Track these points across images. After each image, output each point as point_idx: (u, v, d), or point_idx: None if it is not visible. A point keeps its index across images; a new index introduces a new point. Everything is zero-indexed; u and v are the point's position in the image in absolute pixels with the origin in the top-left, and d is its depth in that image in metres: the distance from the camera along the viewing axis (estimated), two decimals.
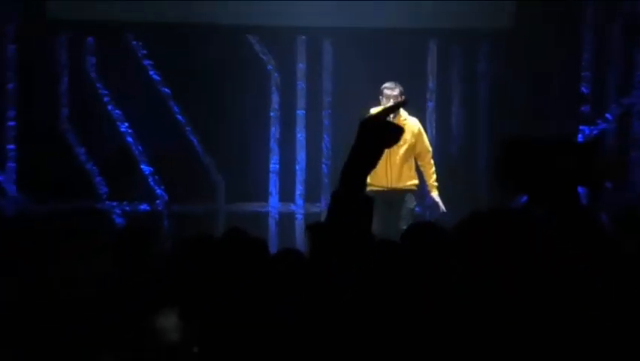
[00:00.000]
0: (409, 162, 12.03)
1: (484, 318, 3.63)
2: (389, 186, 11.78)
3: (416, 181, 12.09)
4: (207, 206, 13.53)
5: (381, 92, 11.94)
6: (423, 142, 12.02)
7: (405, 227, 9.87)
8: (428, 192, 12.28)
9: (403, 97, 11.77)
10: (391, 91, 11.91)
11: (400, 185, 11.97)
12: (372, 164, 3.77)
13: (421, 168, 12.10)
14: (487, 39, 13.67)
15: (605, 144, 13.46)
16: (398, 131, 3.67)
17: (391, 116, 11.36)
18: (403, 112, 11.86)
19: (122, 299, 5.29)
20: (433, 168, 12.28)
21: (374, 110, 11.61)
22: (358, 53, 12.97)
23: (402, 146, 11.65)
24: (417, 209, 12.09)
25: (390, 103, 11.67)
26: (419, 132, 11.88)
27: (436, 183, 12.25)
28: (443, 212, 12.06)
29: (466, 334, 3.67)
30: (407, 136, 11.75)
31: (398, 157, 11.64)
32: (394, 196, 11.91)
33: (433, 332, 3.75)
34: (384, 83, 12.23)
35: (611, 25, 13.55)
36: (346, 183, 3.70)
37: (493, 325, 3.59)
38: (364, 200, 3.72)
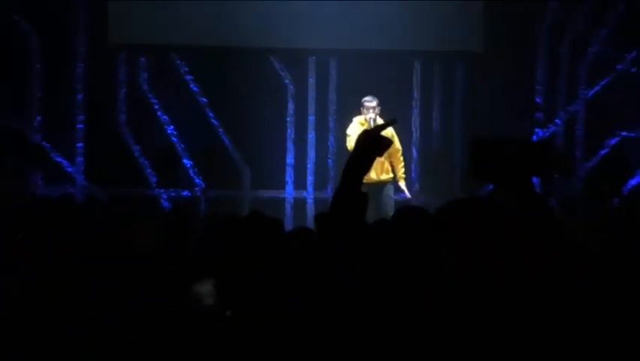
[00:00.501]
0: (387, 159, 12.08)
1: (461, 285, 3.67)
2: (375, 179, 11.80)
3: (392, 175, 12.17)
4: (235, 192, 13.49)
5: (362, 105, 12.01)
6: (395, 143, 11.80)
7: (387, 209, 10.31)
8: (397, 182, 12.31)
9: (379, 107, 11.86)
10: (370, 103, 11.99)
11: (382, 177, 12.08)
12: (367, 168, 3.79)
13: (393, 164, 12.17)
14: (462, 59, 13.63)
15: (555, 144, 13.43)
16: (388, 143, 3.73)
17: (372, 121, 11.72)
18: (380, 120, 11.84)
19: (170, 270, 5.27)
20: (402, 164, 12.39)
21: (356, 119, 12.01)
22: (358, 69, 12.95)
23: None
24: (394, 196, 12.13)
25: (370, 113, 11.83)
26: (392, 135, 11.63)
27: (404, 175, 12.39)
28: (409, 197, 12.29)
29: (446, 303, 3.61)
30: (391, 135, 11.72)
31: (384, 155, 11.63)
32: (378, 186, 11.93)
33: (418, 297, 3.75)
34: (379, 95, 12.26)
35: (560, 47, 13.52)
36: (346, 184, 3.75)
37: (468, 291, 3.63)
38: (361, 197, 3.73)
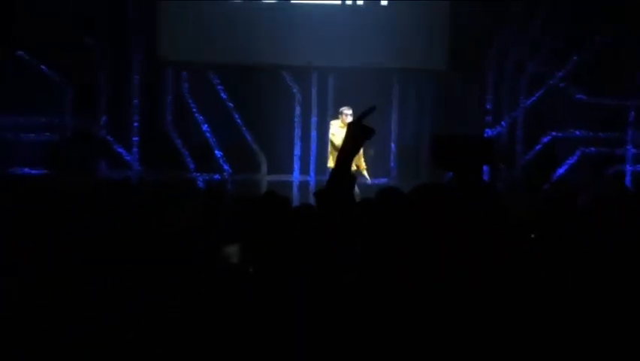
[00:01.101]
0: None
1: (429, 249, 3.69)
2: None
3: (356, 167, 11.82)
4: (255, 176, 13.42)
5: (341, 112, 12.08)
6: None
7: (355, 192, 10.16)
8: (361, 172, 12.24)
9: (352, 115, 11.71)
10: (348, 111, 11.98)
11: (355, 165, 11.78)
12: (355, 151, 3.90)
13: (357, 161, 11.84)
14: (431, 75, 13.70)
15: (500, 141, 13.43)
16: (371, 130, 3.75)
17: (347, 121, 11.44)
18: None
19: (205, 237, 5.20)
20: (363, 158, 12.20)
21: (335, 123, 12.05)
22: (350, 82, 12.89)
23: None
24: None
25: (348, 119, 11.73)
26: None
27: (365, 166, 12.33)
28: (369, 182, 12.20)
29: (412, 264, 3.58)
30: None
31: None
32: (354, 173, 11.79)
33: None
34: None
35: (505, 66, 13.50)
36: (340, 164, 3.78)
37: (434, 253, 3.65)
38: (350, 175, 3.72)
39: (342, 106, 12.30)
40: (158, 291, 4.10)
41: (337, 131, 12.03)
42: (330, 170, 12.39)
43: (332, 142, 12.16)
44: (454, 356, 3.42)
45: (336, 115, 12.32)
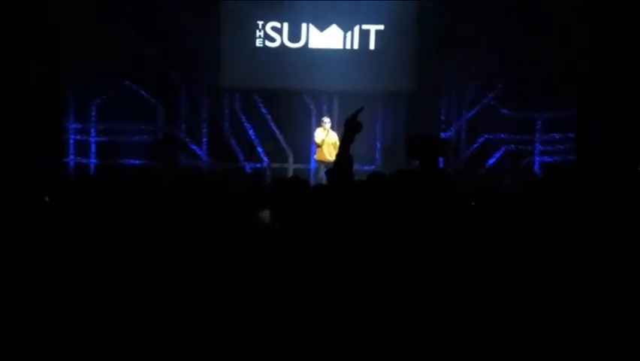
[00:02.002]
0: (334, 149, 11.44)
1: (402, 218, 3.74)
2: (329, 159, 11.27)
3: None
4: (284, 165, 13.32)
5: (322, 121, 11.79)
6: (337, 143, 11.34)
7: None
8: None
9: (330, 123, 11.67)
10: (326, 119, 11.76)
11: (332, 159, 11.65)
12: (351, 140, 3.87)
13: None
14: (405, 94, 13.46)
15: (451, 140, 13.36)
16: (360, 125, 3.86)
17: (329, 130, 11.47)
18: (332, 131, 11.63)
19: (251, 204, 5.18)
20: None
21: (319, 129, 11.65)
22: (349, 101, 12.45)
23: (330, 144, 11.45)
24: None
25: (327, 125, 11.61)
26: (336, 139, 11.41)
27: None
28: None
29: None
30: (332, 140, 11.52)
31: (332, 147, 11.35)
32: (329, 162, 11.17)
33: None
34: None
35: (453, 88, 13.43)
36: (342, 150, 3.78)
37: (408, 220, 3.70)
38: (349, 156, 3.80)
39: (342, 116, 12.15)
40: (223, 238, 4.10)
41: (319, 135, 11.75)
42: (318, 160, 11.79)
43: (316, 143, 11.86)
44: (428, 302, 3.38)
45: (319, 124, 12.02)
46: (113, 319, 3.52)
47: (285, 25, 13.08)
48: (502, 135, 13.41)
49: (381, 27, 13.08)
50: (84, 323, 3.53)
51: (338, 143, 11.30)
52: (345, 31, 13.12)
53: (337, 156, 3.90)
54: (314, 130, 12.32)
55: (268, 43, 13.13)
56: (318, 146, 11.71)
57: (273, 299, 3.41)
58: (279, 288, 3.44)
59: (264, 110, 13.42)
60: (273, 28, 13.10)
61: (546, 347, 3.36)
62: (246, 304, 3.44)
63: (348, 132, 3.89)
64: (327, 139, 11.63)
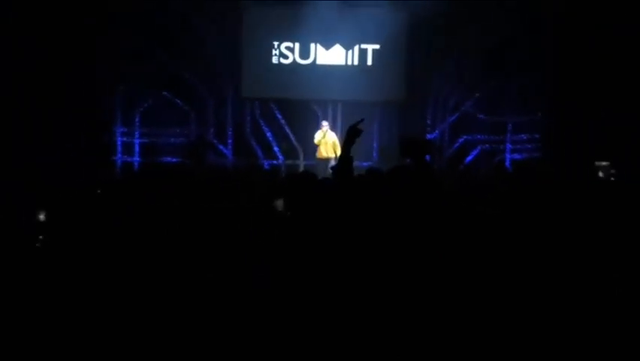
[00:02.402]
0: (331, 147, 11.61)
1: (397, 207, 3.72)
2: (325, 156, 11.37)
3: (332, 155, 11.45)
4: (296, 162, 13.25)
5: (321, 126, 11.79)
6: (336, 142, 11.55)
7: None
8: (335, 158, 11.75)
9: (328, 126, 11.70)
10: (324, 123, 11.76)
11: (328, 155, 11.55)
12: (352, 143, 3.81)
13: (335, 151, 11.44)
14: (396, 103, 13.33)
15: (436, 141, 13.33)
16: (360, 131, 3.81)
17: (327, 132, 11.43)
18: (330, 132, 11.62)
19: (267, 194, 5.17)
20: (339, 151, 11.87)
21: (319, 132, 11.61)
22: (350, 109, 12.62)
23: (328, 143, 11.44)
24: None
25: (325, 128, 11.59)
26: (335, 139, 11.46)
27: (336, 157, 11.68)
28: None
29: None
30: (331, 140, 11.52)
31: (330, 146, 11.36)
32: (327, 160, 11.46)
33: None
34: (361, 122, 12.10)
35: (438, 98, 13.39)
36: (344, 151, 3.78)
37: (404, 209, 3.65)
38: (350, 157, 3.74)
39: (345, 122, 12.22)
40: (224, 238, 3.98)
41: (317, 136, 11.75)
42: (319, 157, 11.59)
43: (314, 142, 11.85)
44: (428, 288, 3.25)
45: (319, 126, 12.02)
46: (118, 316, 3.23)
47: (297, 45, 13.06)
48: (479, 136, 13.38)
49: (377, 46, 13.05)
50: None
51: (337, 142, 11.61)
52: (347, 50, 13.08)
53: (340, 155, 3.88)
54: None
55: (282, 60, 13.10)
56: (317, 145, 11.76)
57: (276, 293, 3.24)
58: (289, 270, 3.33)
59: (279, 116, 13.39)
60: (287, 48, 13.06)
61: (532, 340, 3.10)
62: (247, 304, 3.24)
63: (349, 137, 3.88)
64: (325, 139, 11.65)
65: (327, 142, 11.60)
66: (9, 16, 10.82)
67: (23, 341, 3.01)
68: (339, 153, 12.00)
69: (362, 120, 3.93)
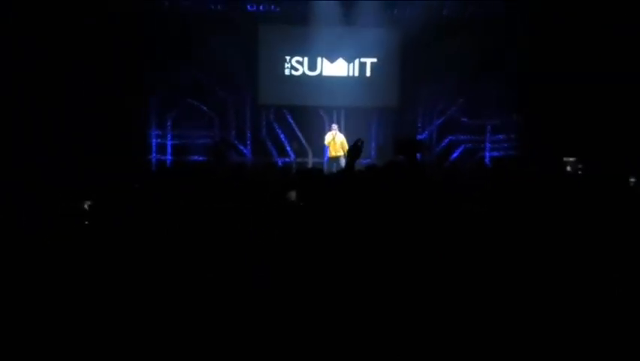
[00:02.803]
0: (340, 147, 11.50)
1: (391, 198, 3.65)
2: (334, 155, 11.30)
3: (340, 154, 11.38)
4: (305, 159, 13.19)
5: (331, 127, 11.75)
6: (344, 142, 11.44)
7: (340, 168, 9.55)
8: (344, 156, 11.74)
9: (337, 129, 11.60)
10: (334, 126, 11.68)
11: (337, 154, 11.45)
12: (357, 157, 3.80)
13: (344, 150, 11.35)
14: (391, 109, 13.27)
15: (425, 141, 13.30)
16: (359, 151, 3.82)
17: (336, 134, 11.30)
18: (339, 133, 11.54)
19: (281, 187, 5.08)
20: (347, 149, 11.80)
21: (329, 133, 11.48)
22: (351, 114, 12.76)
23: (337, 143, 11.37)
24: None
25: (334, 131, 11.48)
26: (343, 140, 11.39)
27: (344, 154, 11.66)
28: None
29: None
30: (339, 140, 11.43)
31: (339, 145, 11.32)
32: (336, 158, 11.42)
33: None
34: (359, 124, 12.08)
35: (427, 104, 13.31)
36: (348, 166, 3.69)
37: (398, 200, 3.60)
38: (352, 167, 3.73)
39: (346, 125, 12.22)
40: (224, 238, 3.70)
41: (327, 137, 11.71)
42: (330, 156, 11.52)
43: (325, 143, 11.82)
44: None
45: (329, 130, 12.00)
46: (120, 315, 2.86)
47: (306, 59, 13.04)
48: (462, 137, 13.33)
49: (374, 60, 13.03)
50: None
51: (344, 142, 11.56)
52: (349, 63, 13.07)
53: (345, 167, 3.85)
54: (324, 133, 12.25)
55: (293, 72, 13.07)
56: (327, 145, 11.71)
57: (278, 289, 2.98)
58: (300, 251, 3.21)
59: (290, 121, 13.35)
60: (297, 61, 13.05)
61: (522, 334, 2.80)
62: (247, 303, 2.94)
63: (351, 156, 3.84)
64: (335, 140, 11.57)
65: (337, 142, 11.53)
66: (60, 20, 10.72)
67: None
68: (347, 149, 12.01)
69: (361, 141, 3.90)
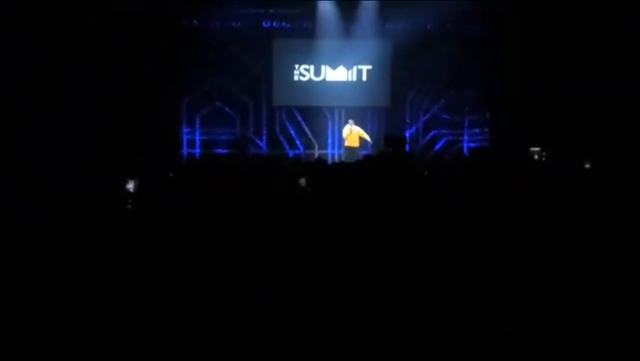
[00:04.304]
0: (359, 138, 11.42)
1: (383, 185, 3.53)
2: (354, 145, 11.22)
3: (358, 144, 11.30)
4: (312, 151, 13.04)
5: (348, 121, 11.71)
6: (363, 133, 11.39)
7: (358, 156, 9.02)
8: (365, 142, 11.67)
9: (353, 124, 11.42)
10: (352, 120, 11.59)
11: (356, 145, 11.42)
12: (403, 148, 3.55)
13: (363, 138, 11.34)
14: (383, 108, 13.14)
15: (412, 135, 13.22)
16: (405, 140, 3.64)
17: (352, 127, 11.16)
18: (355, 126, 11.44)
19: (292, 174, 4.93)
20: (368, 138, 11.64)
21: (346, 127, 11.41)
22: (351, 113, 12.62)
23: (354, 134, 11.28)
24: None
25: (351, 125, 11.34)
26: (359, 130, 11.33)
27: (369, 139, 11.67)
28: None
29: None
30: (356, 132, 11.39)
31: (356, 136, 11.30)
32: (354, 148, 11.34)
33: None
34: (357, 121, 12.00)
35: (414, 103, 13.19)
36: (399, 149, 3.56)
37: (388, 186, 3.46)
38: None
39: (348, 122, 12.12)
40: (225, 238, 2.98)
41: (345, 130, 11.67)
42: (346, 146, 11.35)
43: (343, 136, 11.78)
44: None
45: (346, 122, 11.98)
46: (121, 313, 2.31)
47: (312, 66, 13.00)
48: (444, 131, 13.22)
49: (370, 67, 12.97)
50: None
51: (361, 132, 11.45)
52: (348, 70, 13.01)
53: (396, 154, 3.60)
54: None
55: (301, 78, 13.03)
56: (344, 138, 11.72)
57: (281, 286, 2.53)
58: (311, 231, 2.88)
59: (299, 119, 13.25)
60: (304, 69, 13.01)
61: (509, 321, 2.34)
62: (248, 303, 2.44)
63: (398, 146, 3.63)
64: (352, 133, 11.60)
65: (354, 134, 11.54)
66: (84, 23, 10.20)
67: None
68: (367, 138, 11.59)
69: (405, 138, 3.75)
